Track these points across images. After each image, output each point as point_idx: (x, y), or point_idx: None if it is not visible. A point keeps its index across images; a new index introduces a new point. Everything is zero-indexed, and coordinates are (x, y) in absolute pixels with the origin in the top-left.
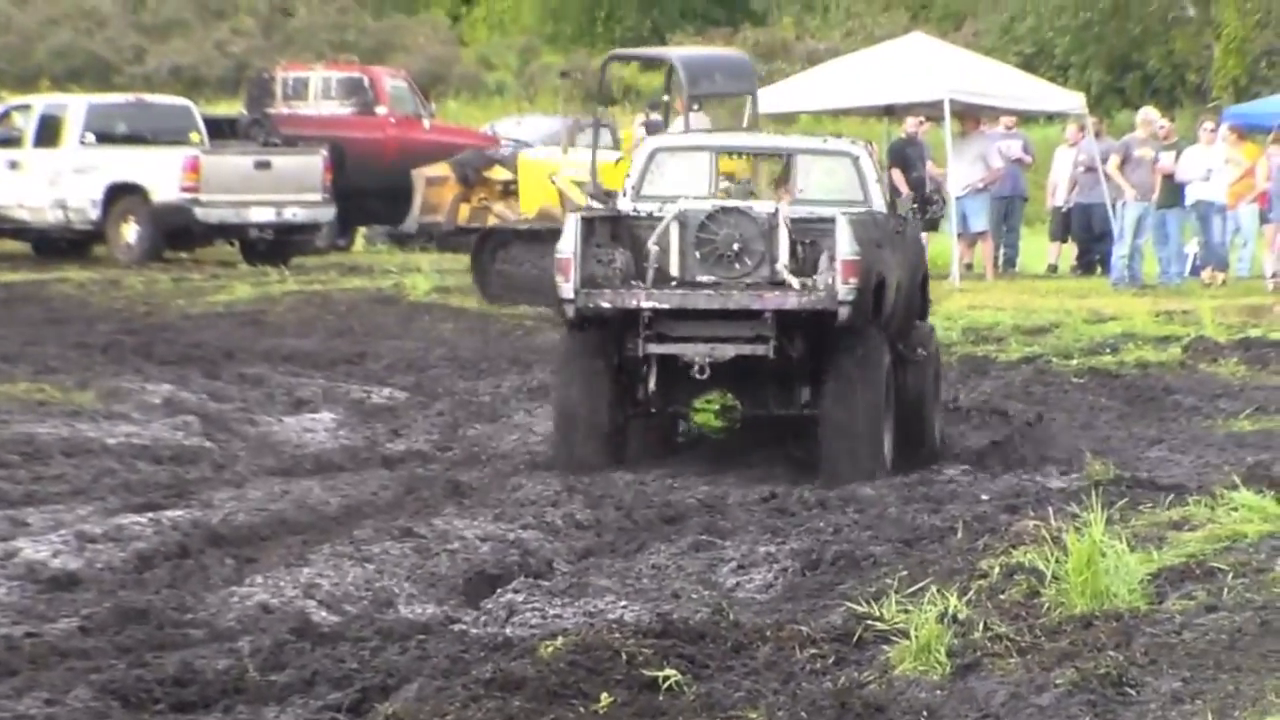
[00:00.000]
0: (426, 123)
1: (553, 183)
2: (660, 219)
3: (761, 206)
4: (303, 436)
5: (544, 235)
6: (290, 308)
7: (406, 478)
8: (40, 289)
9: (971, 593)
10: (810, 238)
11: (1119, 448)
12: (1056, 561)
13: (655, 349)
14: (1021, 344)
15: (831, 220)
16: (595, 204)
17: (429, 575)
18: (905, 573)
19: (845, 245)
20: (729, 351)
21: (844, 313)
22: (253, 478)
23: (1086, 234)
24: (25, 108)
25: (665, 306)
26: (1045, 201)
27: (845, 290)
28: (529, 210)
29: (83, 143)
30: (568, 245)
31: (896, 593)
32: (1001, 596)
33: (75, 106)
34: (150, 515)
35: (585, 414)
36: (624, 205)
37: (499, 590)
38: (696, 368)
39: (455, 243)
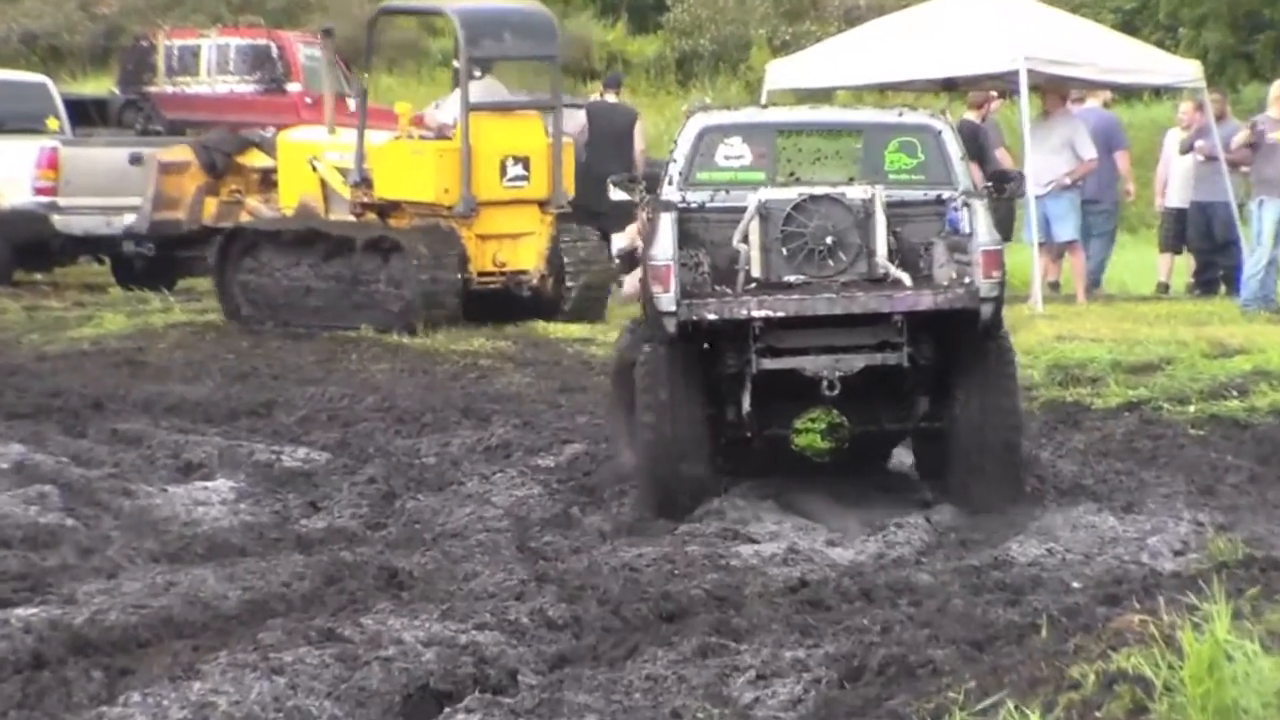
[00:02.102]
0: (352, 103)
1: (313, 168)
2: (724, 209)
3: (855, 192)
4: (193, 511)
5: (302, 237)
6: (177, 344)
7: (328, 564)
8: None
9: (1059, 708)
10: (897, 226)
11: (1249, 519)
12: (1169, 667)
13: (770, 364)
14: (1123, 386)
15: (934, 203)
16: (620, 195)
17: (357, 691)
18: (974, 683)
19: (985, 234)
20: (858, 363)
21: (986, 311)
22: (128, 565)
23: (1206, 243)
24: None
25: (780, 315)
26: (1153, 202)
27: (988, 286)
28: (289, 203)
29: None
30: (665, 249)
31: (962, 710)
32: (1098, 714)
33: None
34: None
35: (684, 444)
36: (671, 195)
37: (447, 710)
38: (825, 383)
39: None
